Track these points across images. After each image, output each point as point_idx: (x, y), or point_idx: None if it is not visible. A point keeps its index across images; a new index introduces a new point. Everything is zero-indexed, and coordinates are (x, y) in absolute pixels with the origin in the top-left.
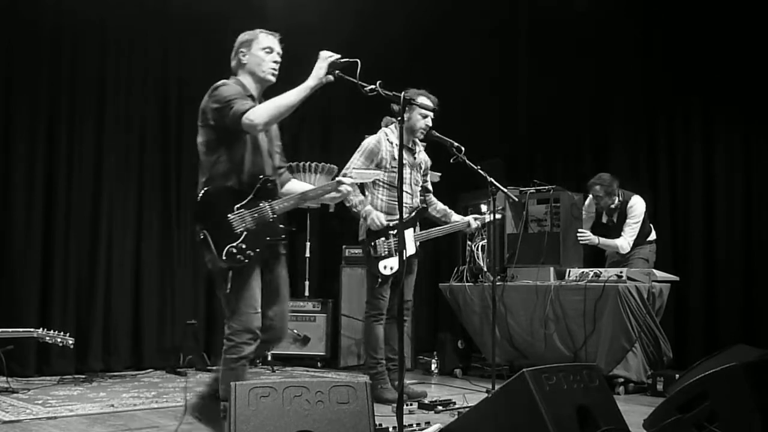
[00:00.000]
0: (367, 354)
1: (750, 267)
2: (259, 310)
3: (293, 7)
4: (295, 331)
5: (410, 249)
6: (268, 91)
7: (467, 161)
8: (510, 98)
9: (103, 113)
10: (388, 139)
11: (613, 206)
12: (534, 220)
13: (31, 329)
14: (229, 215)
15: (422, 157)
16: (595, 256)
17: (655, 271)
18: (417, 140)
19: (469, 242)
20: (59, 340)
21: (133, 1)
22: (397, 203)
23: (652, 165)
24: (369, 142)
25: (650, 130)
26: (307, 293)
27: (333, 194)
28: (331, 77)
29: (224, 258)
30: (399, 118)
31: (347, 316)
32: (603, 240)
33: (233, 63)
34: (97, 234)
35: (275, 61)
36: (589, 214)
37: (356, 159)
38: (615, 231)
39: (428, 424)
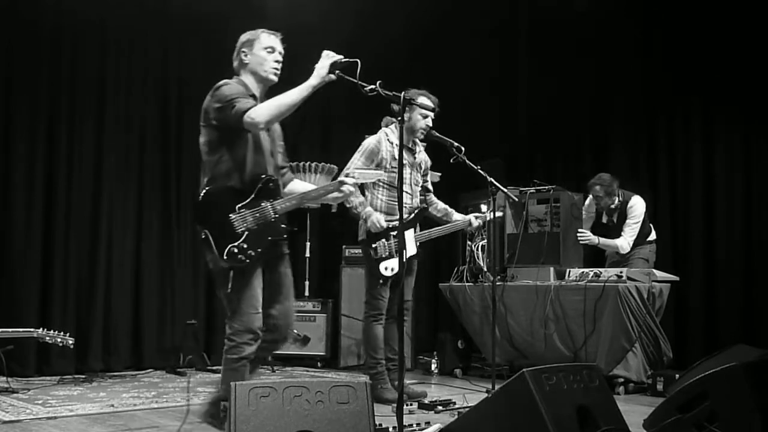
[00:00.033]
0: (367, 354)
1: (750, 267)
2: (260, 311)
3: (293, 7)
4: (295, 331)
5: (411, 250)
6: (271, 90)
7: (467, 161)
8: (510, 98)
9: (103, 113)
10: (388, 139)
11: (613, 206)
12: (534, 220)
13: (31, 329)
14: (230, 215)
15: (422, 157)
16: (595, 256)
17: (655, 271)
18: (417, 140)
19: (469, 242)
20: (59, 340)
21: (133, 1)
22: (396, 203)
23: (652, 165)
24: (369, 142)
25: (650, 130)
26: (307, 293)
27: (335, 194)
28: (332, 76)
29: (225, 258)
30: (399, 118)
31: (347, 316)
32: (603, 240)
33: (235, 63)
34: (97, 234)
35: (277, 61)
36: (589, 214)
37: (356, 159)
38: (615, 231)
39: (428, 424)
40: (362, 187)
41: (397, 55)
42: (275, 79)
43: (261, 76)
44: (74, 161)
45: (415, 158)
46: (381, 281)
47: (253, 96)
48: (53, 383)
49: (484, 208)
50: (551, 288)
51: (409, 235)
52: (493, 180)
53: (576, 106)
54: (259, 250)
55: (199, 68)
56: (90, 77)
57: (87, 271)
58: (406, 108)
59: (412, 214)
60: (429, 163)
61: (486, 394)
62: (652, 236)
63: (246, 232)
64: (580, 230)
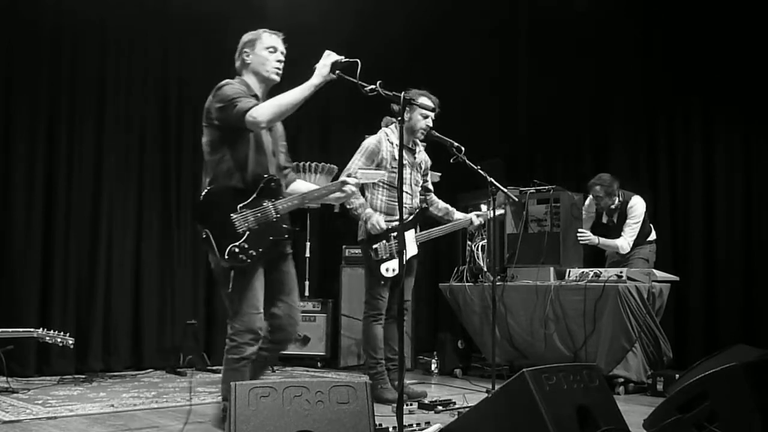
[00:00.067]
0: (367, 354)
1: (750, 267)
2: (261, 311)
3: (293, 7)
4: None
5: (412, 250)
6: (273, 90)
7: (467, 161)
8: (510, 98)
9: (103, 113)
10: (388, 139)
11: (613, 206)
12: (534, 220)
13: (31, 329)
14: (231, 215)
15: (422, 156)
16: (595, 256)
17: (655, 271)
18: (417, 140)
19: (469, 242)
20: (59, 340)
21: (133, 1)
22: (396, 203)
23: (652, 165)
24: (369, 142)
25: (650, 130)
26: (307, 293)
27: (337, 194)
28: (333, 75)
29: (226, 257)
30: (399, 118)
31: (347, 316)
32: (603, 240)
33: (237, 63)
34: (97, 234)
35: (279, 60)
36: (589, 214)
37: (357, 160)
38: (615, 231)
39: (428, 424)
40: (362, 188)
41: (397, 55)
42: (277, 78)
43: (263, 76)
44: (74, 161)
45: (415, 158)
46: (382, 282)
47: (255, 96)
48: (53, 383)
49: (484, 207)
50: (551, 288)
51: (410, 235)
52: (493, 180)
53: (576, 106)
54: (261, 250)
55: (199, 68)
56: (90, 77)
57: (87, 271)
58: (407, 108)
59: (412, 215)
60: (429, 163)
61: (486, 394)
62: (652, 236)
63: (247, 232)
64: (580, 230)
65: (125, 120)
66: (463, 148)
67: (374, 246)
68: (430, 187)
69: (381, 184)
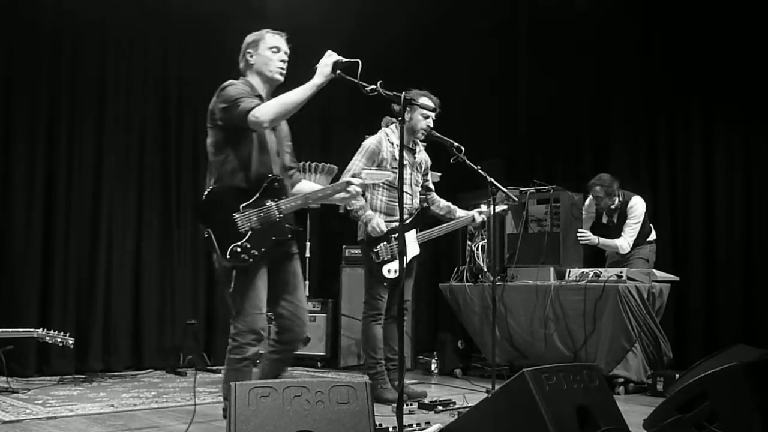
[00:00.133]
0: (366, 354)
1: (750, 267)
2: (264, 311)
3: (293, 7)
4: None
5: (414, 251)
6: (276, 90)
7: (467, 161)
8: (510, 98)
9: (103, 113)
10: (388, 140)
11: (613, 207)
12: (534, 220)
13: (31, 329)
14: (234, 214)
15: (422, 156)
16: (595, 256)
17: (655, 271)
18: (418, 140)
19: (469, 242)
20: (59, 340)
21: (133, 1)
22: (396, 203)
23: (652, 165)
24: (370, 142)
25: (650, 130)
26: (307, 293)
27: (342, 194)
28: (335, 75)
29: (228, 257)
30: (399, 118)
31: (347, 316)
32: (603, 240)
33: (241, 64)
34: (97, 234)
35: (283, 60)
36: (589, 214)
37: (357, 160)
38: (615, 231)
39: (428, 424)
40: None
41: (397, 55)
42: (281, 78)
43: (267, 76)
44: (74, 161)
45: (415, 158)
46: (384, 284)
47: (259, 96)
48: (53, 383)
49: (484, 207)
50: (551, 288)
51: (411, 235)
52: (493, 180)
53: (576, 106)
54: (263, 249)
55: (199, 68)
56: (90, 77)
57: (87, 271)
58: (407, 108)
59: (412, 216)
60: (429, 162)
61: (486, 394)
62: (652, 236)
63: (250, 232)
64: (580, 230)
65: (125, 120)
66: (463, 148)
67: (375, 248)
68: (431, 186)
69: (381, 184)
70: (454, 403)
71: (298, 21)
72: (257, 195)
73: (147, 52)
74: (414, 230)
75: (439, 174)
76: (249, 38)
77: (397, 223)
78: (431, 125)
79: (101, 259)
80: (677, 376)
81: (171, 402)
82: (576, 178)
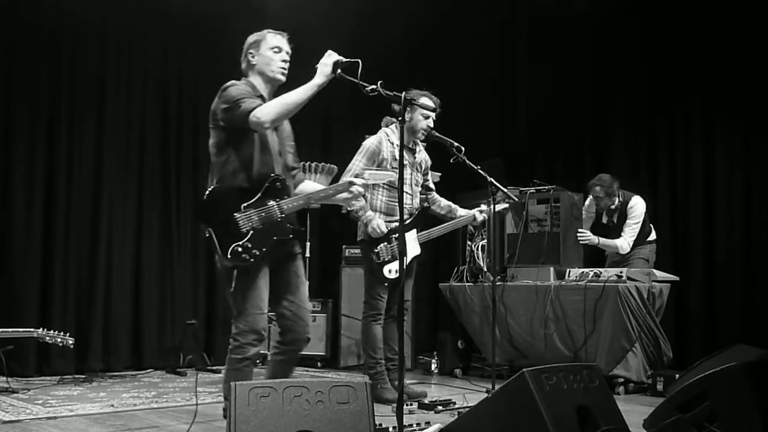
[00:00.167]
0: (366, 354)
1: (750, 267)
2: (265, 311)
3: (293, 7)
4: None
5: (415, 250)
6: (278, 90)
7: (467, 161)
8: (510, 98)
9: (103, 113)
10: (389, 140)
11: (613, 207)
12: (534, 220)
13: (31, 329)
14: (235, 214)
15: (422, 156)
16: (595, 256)
17: (655, 271)
18: (418, 140)
19: (469, 242)
20: (59, 340)
21: (133, 1)
22: (396, 203)
23: (652, 165)
24: (370, 142)
25: (650, 130)
26: (307, 293)
27: (345, 195)
28: (335, 75)
29: (229, 257)
30: (399, 118)
31: (347, 316)
32: (603, 240)
33: (243, 65)
34: (97, 234)
35: (284, 60)
36: (589, 214)
37: (358, 161)
38: (615, 231)
39: (428, 424)
40: None
41: (397, 55)
42: (283, 78)
43: (268, 77)
44: (74, 161)
45: (415, 158)
46: (385, 284)
47: (261, 97)
48: (53, 383)
49: (484, 207)
50: (551, 288)
51: (411, 235)
52: (493, 180)
53: (576, 106)
54: (264, 249)
55: (199, 68)
56: (90, 77)
57: (87, 271)
58: (408, 108)
59: (412, 216)
60: (429, 162)
61: (486, 394)
62: (652, 236)
63: (251, 232)
64: (580, 230)
65: (125, 120)
66: (463, 148)
67: (376, 249)
68: (432, 186)
69: (381, 184)
70: (454, 403)
71: (298, 21)
72: (259, 195)
73: (147, 52)
74: (414, 230)
75: (439, 174)
76: (251, 39)
77: (397, 224)
78: (431, 125)
79: (101, 259)
80: (677, 376)
81: (171, 402)
82: (576, 178)
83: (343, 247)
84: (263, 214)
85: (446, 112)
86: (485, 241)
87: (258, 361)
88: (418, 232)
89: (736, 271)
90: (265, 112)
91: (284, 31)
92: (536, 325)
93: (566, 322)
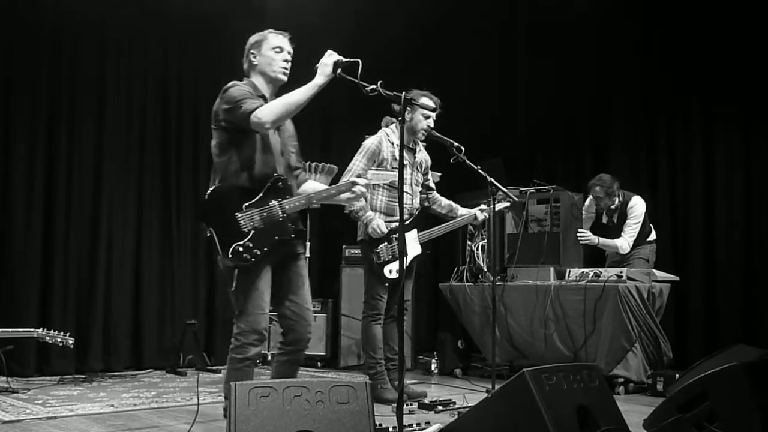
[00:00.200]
0: (366, 354)
1: (750, 267)
2: (267, 311)
3: (293, 7)
4: None
5: (416, 250)
6: (280, 91)
7: (467, 161)
8: (510, 98)
9: (103, 113)
10: (388, 140)
11: (613, 207)
12: (534, 220)
13: (31, 329)
14: (237, 213)
15: (423, 156)
16: (595, 256)
17: (655, 271)
18: (418, 140)
19: (469, 242)
20: (59, 340)
21: (133, 1)
22: (396, 203)
23: (652, 165)
24: (370, 142)
25: (650, 130)
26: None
27: (347, 195)
28: (335, 74)
29: (230, 256)
30: (399, 118)
31: (347, 316)
32: (603, 240)
33: (245, 65)
34: (97, 234)
35: (286, 60)
36: (589, 214)
37: (358, 161)
38: (615, 231)
39: (428, 424)
40: None
41: (397, 55)
42: (284, 78)
43: (270, 77)
44: (74, 161)
45: (415, 158)
46: (386, 284)
47: (263, 97)
48: (53, 383)
49: (485, 207)
50: (551, 288)
51: (412, 235)
52: (493, 180)
53: (576, 106)
54: (266, 249)
55: (199, 68)
56: (90, 77)
57: (87, 271)
58: (408, 108)
59: (412, 216)
60: (429, 162)
61: (486, 394)
62: (652, 236)
63: (252, 231)
64: (580, 230)
65: (125, 120)
66: (463, 148)
67: (376, 249)
68: (432, 185)
69: (381, 184)
70: (454, 403)
71: (298, 21)
72: (261, 194)
73: (147, 52)
74: (415, 230)
75: (439, 174)
76: (252, 39)
77: (397, 224)
78: (432, 125)
79: (101, 259)
80: (677, 376)
81: (171, 402)
82: (576, 178)
83: (343, 247)
84: (265, 213)
85: (446, 112)
86: (485, 241)
87: (258, 361)
88: (418, 232)
89: (736, 271)
90: (266, 112)
91: (285, 30)
92: (536, 325)
93: (566, 322)
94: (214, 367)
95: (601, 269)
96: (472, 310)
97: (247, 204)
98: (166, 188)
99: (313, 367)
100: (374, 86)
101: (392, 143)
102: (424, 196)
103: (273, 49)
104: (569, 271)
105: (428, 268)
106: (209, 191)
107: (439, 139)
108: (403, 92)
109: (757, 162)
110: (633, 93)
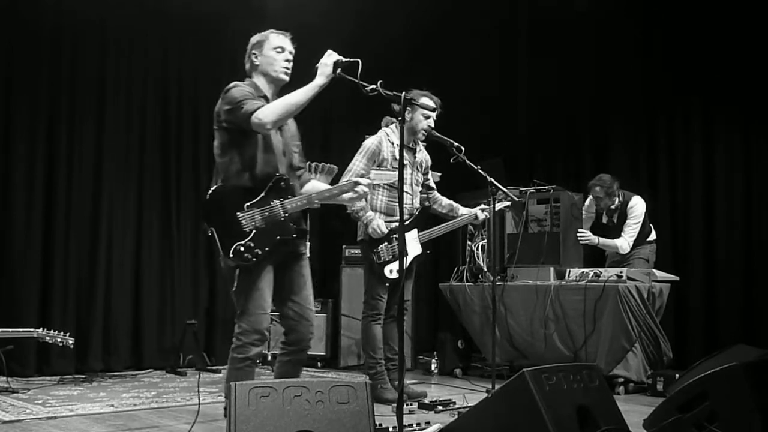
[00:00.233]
0: (366, 354)
1: (750, 267)
2: (268, 311)
3: (293, 7)
4: None
5: (416, 250)
6: (282, 90)
7: (467, 161)
8: (510, 98)
9: (103, 113)
10: (389, 139)
11: (613, 207)
12: (534, 220)
13: (31, 329)
14: (238, 213)
15: (423, 156)
16: (595, 256)
17: (655, 271)
18: (418, 140)
19: (469, 242)
20: (59, 340)
21: (133, 1)
22: (397, 203)
23: (652, 165)
24: (370, 142)
25: (650, 130)
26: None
27: (349, 194)
28: (336, 74)
29: (231, 256)
30: (399, 118)
31: (347, 316)
32: (603, 240)
33: (247, 66)
34: (97, 234)
35: (287, 60)
36: (589, 214)
37: (358, 161)
38: (615, 231)
39: (428, 424)
40: None
41: (397, 55)
42: (286, 78)
43: (272, 77)
44: (74, 161)
45: (415, 158)
46: (386, 284)
47: (264, 97)
48: (53, 383)
49: (485, 207)
50: (551, 288)
51: (412, 235)
52: (493, 180)
53: (576, 106)
54: (267, 249)
55: (199, 68)
56: (90, 77)
57: (87, 271)
58: (408, 108)
59: (412, 216)
60: (429, 162)
61: (486, 394)
62: (652, 236)
63: (254, 231)
64: (580, 230)
65: (125, 120)
66: (463, 148)
67: (377, 249)
68: (432, 185)
69: (381, 184)
70: (454, 403)
71: (298, 21)
72: (262, 194)
73: (147, 52)
74: (415, 230)
75: (439, 174)
76: (254, 39)
77: (397, 224)
78: (432, 125)
79: (101, 259)
80: (677, 376)
81: (171, 402)
82: (576, 178)
83: (343, 247)
84: (266, 213)
85: (446, 112)
86: (485, 241)
87: (258, 361)
88: (419, 232)
89: (736, 271)
90: (267, 113)
91: (285, 31)
92: (536, 325)
93: (566, 322)
94: (214, 367)
95: (601, 269)
96: (472, 310)
97: (248, 204)
98: (166, 188)
99: (313, 367)
100: (374, 86)
101: (392, 143)
102: (425, 195)
103: (275, 49)
104: (569, 271)
105: (428, 268)
106: (211, 191)
107: (439, 139)
108: (403, 92)
109: (757, 162)
110: (633, 93)
